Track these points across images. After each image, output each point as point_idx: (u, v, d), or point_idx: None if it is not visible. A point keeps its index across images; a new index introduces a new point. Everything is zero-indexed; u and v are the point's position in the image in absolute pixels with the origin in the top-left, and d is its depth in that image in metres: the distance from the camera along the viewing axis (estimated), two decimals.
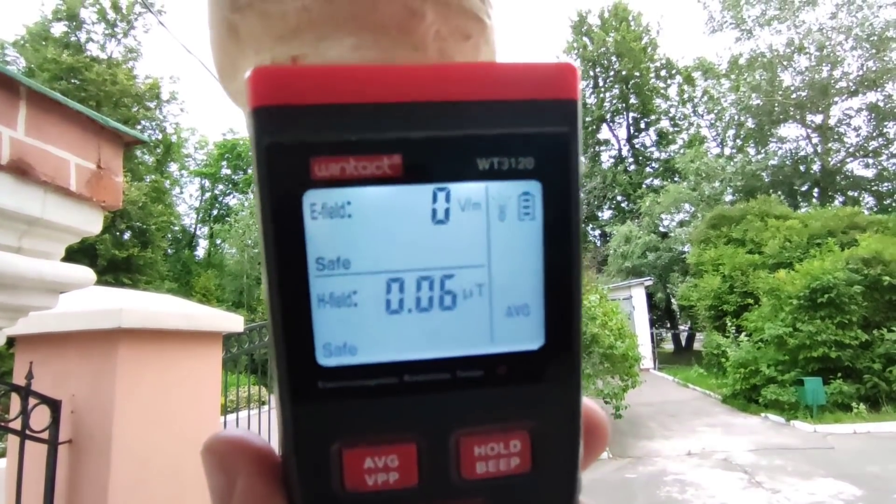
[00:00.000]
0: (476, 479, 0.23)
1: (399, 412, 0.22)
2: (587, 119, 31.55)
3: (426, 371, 0.22)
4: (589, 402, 0.26)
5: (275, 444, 0.24)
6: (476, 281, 0.23)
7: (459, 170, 0.22)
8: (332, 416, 0.22)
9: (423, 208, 0.22)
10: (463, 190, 0.22)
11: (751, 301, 13.67)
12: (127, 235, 20.79)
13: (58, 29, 24.22)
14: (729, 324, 13.01)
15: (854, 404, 9.72)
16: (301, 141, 0.20)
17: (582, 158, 0.24)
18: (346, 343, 0.22)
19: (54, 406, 2.31)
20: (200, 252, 36.94)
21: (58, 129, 1.08)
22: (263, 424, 5.14)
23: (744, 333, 12.35)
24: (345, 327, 0.22)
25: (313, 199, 0.21)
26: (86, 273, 1.22)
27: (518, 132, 0.22)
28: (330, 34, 0.25)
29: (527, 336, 0.23)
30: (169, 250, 27.54)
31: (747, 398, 11.41)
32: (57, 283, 1.16)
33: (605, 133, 32.81)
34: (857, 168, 23.86)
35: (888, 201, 23.07)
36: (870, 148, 23.12)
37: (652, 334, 20.36)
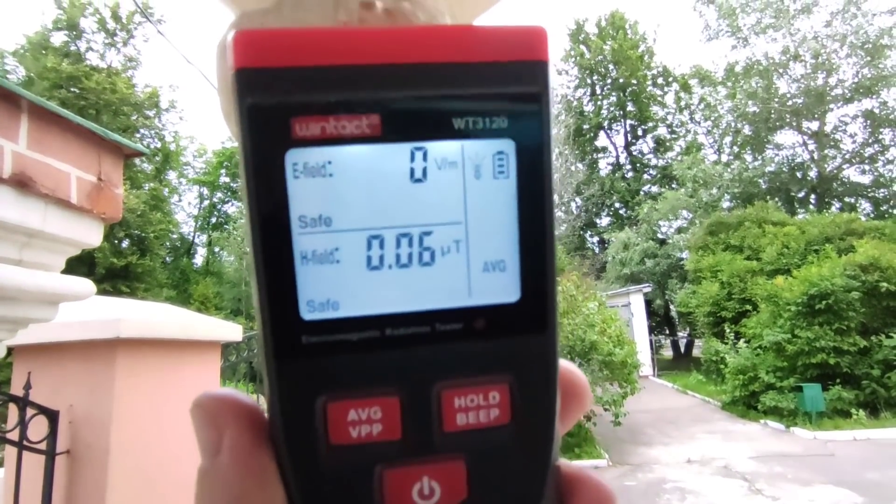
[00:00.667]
0: (457, 432, 0.23)
1: (381, 365, 0.23)
2: (585, 126, 31.68)
3: (407, 324, 0.23)
4: (567, 362, 0.27)
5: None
6: (453, 237, 0.24)
7: (436, 129, 0.23)
8: (315, 370, 0.22)
9: (402, 167, 0.23)
10: (440, 149, 0.23)
11: (749, 307, 13.68)
12: (125, 244, 20.77)
13: (58, 38, 24.32)
14: (727, 330, 13.01)
15: (853, 410, 9.71)
16: (282, 101, 0.21)
17: (553, 118, 0.25)
18: (329, 298, 0.22)
19: (52, 417, 2.31)
20: (199, 260, 36.89)
21: (59, 142, 1.10)
22: None
23: (742, 340, 12.34)
24: (327, 283, 0.22)
25: (295, 159, 0.21)
26: (85, 285, 1.23)
27: (491, 92, 0.23)
28: None
29: (503, 290, 0.24)
30: (167, 258, 27.52)
31: (746, 405, 11.39)
32: (56, 295, 1.17)
33: (602, 140, 32.96)
34: (853, 174, 23.98)
35: (885, 207, 23.15)
36: (866, 154, 23.24)
37: (651, 341, 20.34)
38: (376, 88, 0.22)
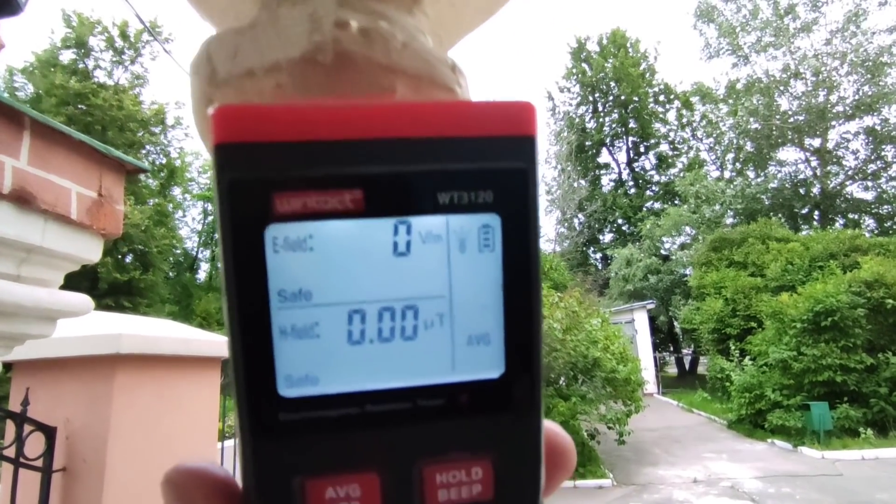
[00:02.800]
0: None
1: (361, 442, 0.22)
2: (587, 143, 31.83)
3: (388, 401, 0.23)
4: (552, 426, 0.26)
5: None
6: (437, 311, 0.23)
7: (420, 203, 0.22)
8: (293, 448, 0.22)
9: (385, 241, 0.22)
10: (424, 223, 0.23)
11: (754, 324, 13.58)
12: (129, 259, 20.84)
13: (66, 56, 24.71)
14: (732, 347, 12.89)
15: (861, 429, 9.57)
16: (263, 177, 0.21)
17: (540, 192, 0.24)
18: (308, 374, 0.22)
19: (49, 433, 2.29)
20: (202, 275, 36.95)
21: (60, 158, 1.10)
22: None
23: (748, 357, 12.23)
24: (306, 358, 0.22)
25: (275, 233, 0.21)
26: (83, 301, 1.23)
27: (477, 167, 0.23)
28: None
29: (487, 365, 0.23)
30: (170, 274, 27.57)
31: (753, 423, 11.24)
32: (54, 310, 1.16)
33: (604, 157, 33.11)
34: (856, 191, 23.97)
35: (888, 224, 23.09)
36: (868, 171, 23.26)
37: (655, 358, 20.17)
38: (359, 163, 0.22)
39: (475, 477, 0.23)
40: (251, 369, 0.21)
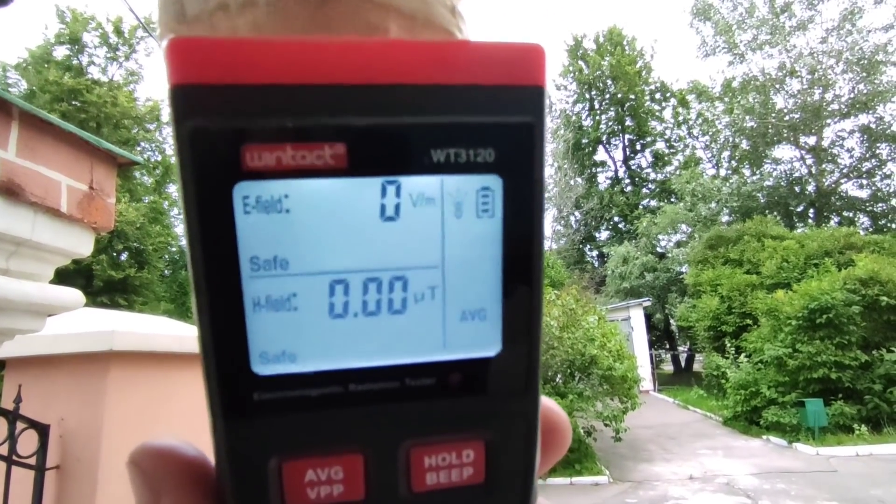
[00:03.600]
0: (426, 492, 0.21)
1: (344, 423, 0.20)
2: (584, 141, 31.84)
3: (373, 379, 0.21)
4: (548, 401, 0.25)
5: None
6: (428, 283, 0.21)
7: (411, 161, 0.20)
8: (270, 429, 0.20)
9: (371, 203, 0.20)
10: (415, 183, 0.20)
11: (749, 322, 13.62)
12: (124, 256, 20.73)
13: (60, 52, 24.54)
14: (728, 345, 12.94)
15: (856, 426, 9.62)
16: (231, 126, 0.18)
17: (547, 151, 0.22)
18: (285, 350, 0.20)
19: (42, 431, 2.26)
20: None
21: (50, 150, 1.08)
22: None
23: (743, 354, 12.27)
24: (283, 333, 0.20)
25: (245, 192, 0.19)
26: (74, 295, 1.21)
27: (477, 121, 0.20)
28: None
29: (482, 342, 0.22)
30: (166, 271, 27.45)
31: (748, 420, 11.28)
32: (44, 305, 1.14)
33: (601, 155, 33.13)
34: (851, 189, 24.07)
35: (883, 221, 23.20)
36: (863, 169, 23.34)
37: (651, 355, 20.22)
38: (343, 113, 0.19)
39: (466, 460, 0.22)
40: (221, 345, 0.19)
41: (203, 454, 0.22)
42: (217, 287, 0.19)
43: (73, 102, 22.20)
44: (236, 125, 0.18)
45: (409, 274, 0.21)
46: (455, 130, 0.20)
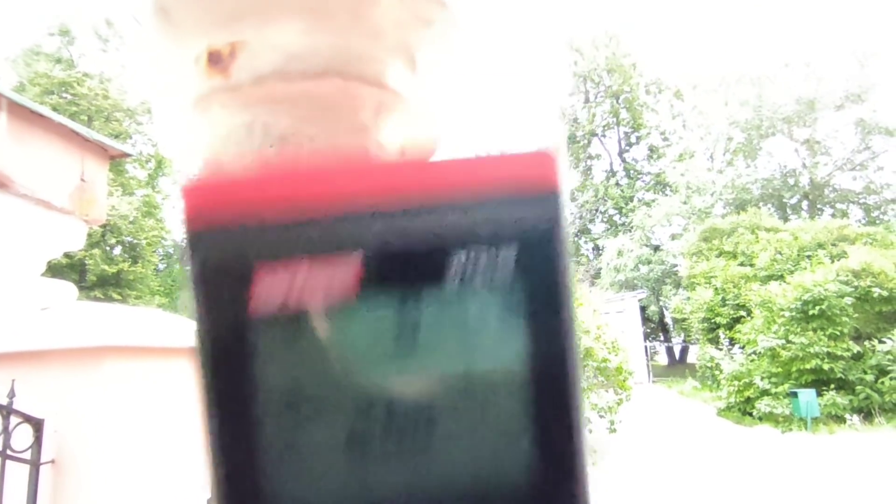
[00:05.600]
0: None
1: None
2: (579, 133, 31.81)
3: None
4: None
5: None
6: (454, 405, 0.19)
7: (429, 279, 0.19)
8: None
9: (388, 326, 0.19)
10: (434, 300, 0.19)
11: (743, 314, 13.71)
12: (117, 250, 20.61)
13: (50, 44, 24.24)
14: (722, 336, 13.03)
15: (847, 416, 9.72)
16: (245, 263, 0.18)
17: (570, 258, 0.20)
18: (305, 495, 0.19)
19: (37, 425, 2.25)
20: None
21: (40, 141, 1.07)
22: None
23: (737, 346, 12.36)
24: (302, 474, 0.19)
25: (259, 328, 0.18)
26: (66, 288, 1.19)
27: (495, 233, 0.19)
28: (275, 17, 0.22)
29: (516, 470, 0.19)
30: (160, 265, 27.33)
31: (742, 411, 11.38)
32: (37, 297, 1.13)
33: (596, 147, 33.11)
34: (844, 181, 24.17)
35: (876, 213, 23.34)
36: (857, 161, 23.44)
37: (646, 347, 20.34)
38: (356, 241, 0.18)
39: None
40: (236, 491, 0.18)
41: None
42: (232, 426, 0.18)
43: (64, 95, 21.98)
44: (249, 262, 0.18)
45: (434, 397, 0.20)
46: (475, 246, 0.19)
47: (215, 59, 0.23)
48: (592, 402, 9.00)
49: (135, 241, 20.50)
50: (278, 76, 0.23)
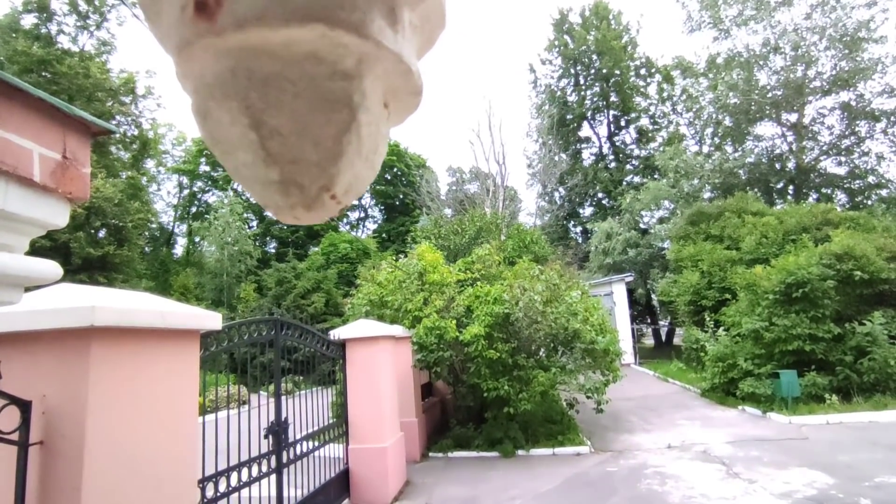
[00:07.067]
0: None
1: None
2: (569, 117, 31.70)
3: None
4: None
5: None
6: None
7: None
8: None
9: None
10: None
11: (728, 296, 13.92)
12: (102, 233, 20.30)
13: (28, 21, 23.52)
14: (707, 319, 13.23)
15: (827, 396, 9.96)
16: None
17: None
18: None
19: (24, 406, 2.24)
20: (179, 250, 36.31)
21: (19, 117, 1.04)
22: (244, 424, 5.07)
23: (722, 328, 12.56)
24: None
25: None
26: (52, 267, 1.18)
27: None
28: None
29: None
30: (146, 248, 27.00)
31: (725, 391, 11.62)
32: (20, 276, 1.12)
33: (586, 130, 33.10)
34: (830, 166, 24.44)
35: (860, 198, 23.67)
36: (842, 146, 23.68)
37: (633, 329, 20.62)
38: None
39: None
40: None
41: None
42: None
43: (44, 74, 21.40)
44: None
45: None
46: None
47: (201, 6, 0.24)
48: (580, 383, 9.13)
49: (120, 224, 20.20)
50: (262, 21, 0.24)
